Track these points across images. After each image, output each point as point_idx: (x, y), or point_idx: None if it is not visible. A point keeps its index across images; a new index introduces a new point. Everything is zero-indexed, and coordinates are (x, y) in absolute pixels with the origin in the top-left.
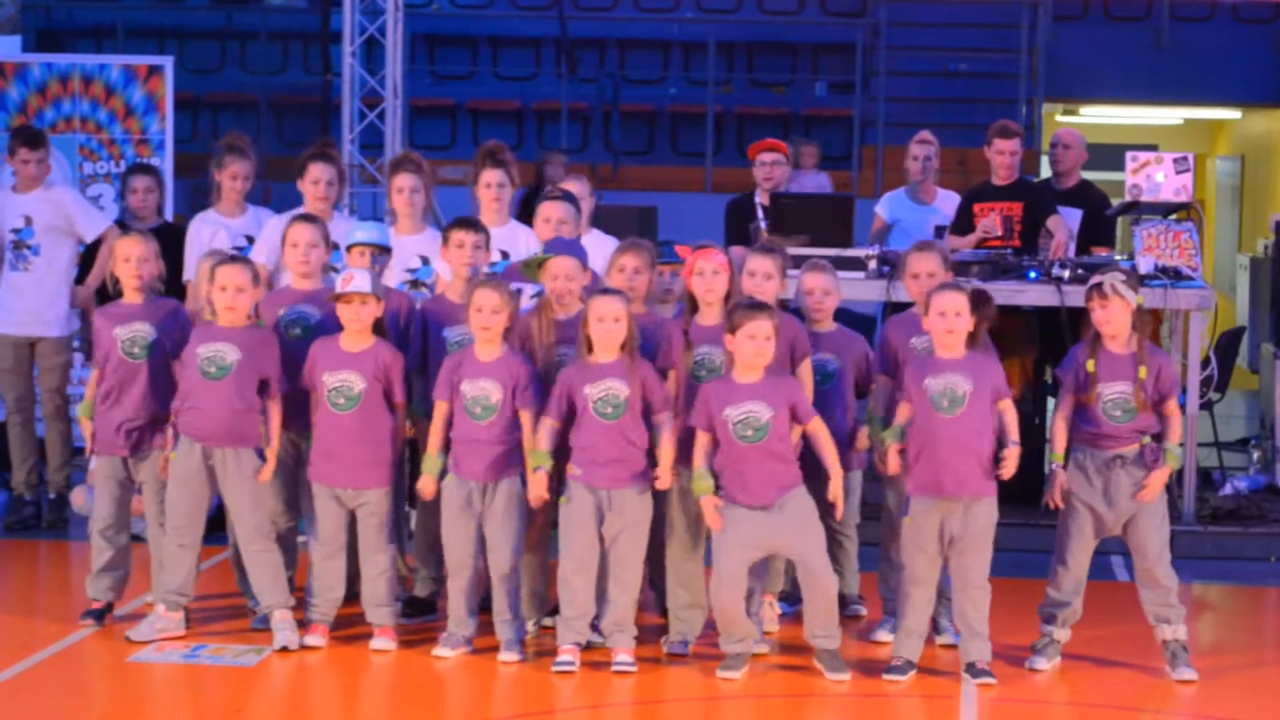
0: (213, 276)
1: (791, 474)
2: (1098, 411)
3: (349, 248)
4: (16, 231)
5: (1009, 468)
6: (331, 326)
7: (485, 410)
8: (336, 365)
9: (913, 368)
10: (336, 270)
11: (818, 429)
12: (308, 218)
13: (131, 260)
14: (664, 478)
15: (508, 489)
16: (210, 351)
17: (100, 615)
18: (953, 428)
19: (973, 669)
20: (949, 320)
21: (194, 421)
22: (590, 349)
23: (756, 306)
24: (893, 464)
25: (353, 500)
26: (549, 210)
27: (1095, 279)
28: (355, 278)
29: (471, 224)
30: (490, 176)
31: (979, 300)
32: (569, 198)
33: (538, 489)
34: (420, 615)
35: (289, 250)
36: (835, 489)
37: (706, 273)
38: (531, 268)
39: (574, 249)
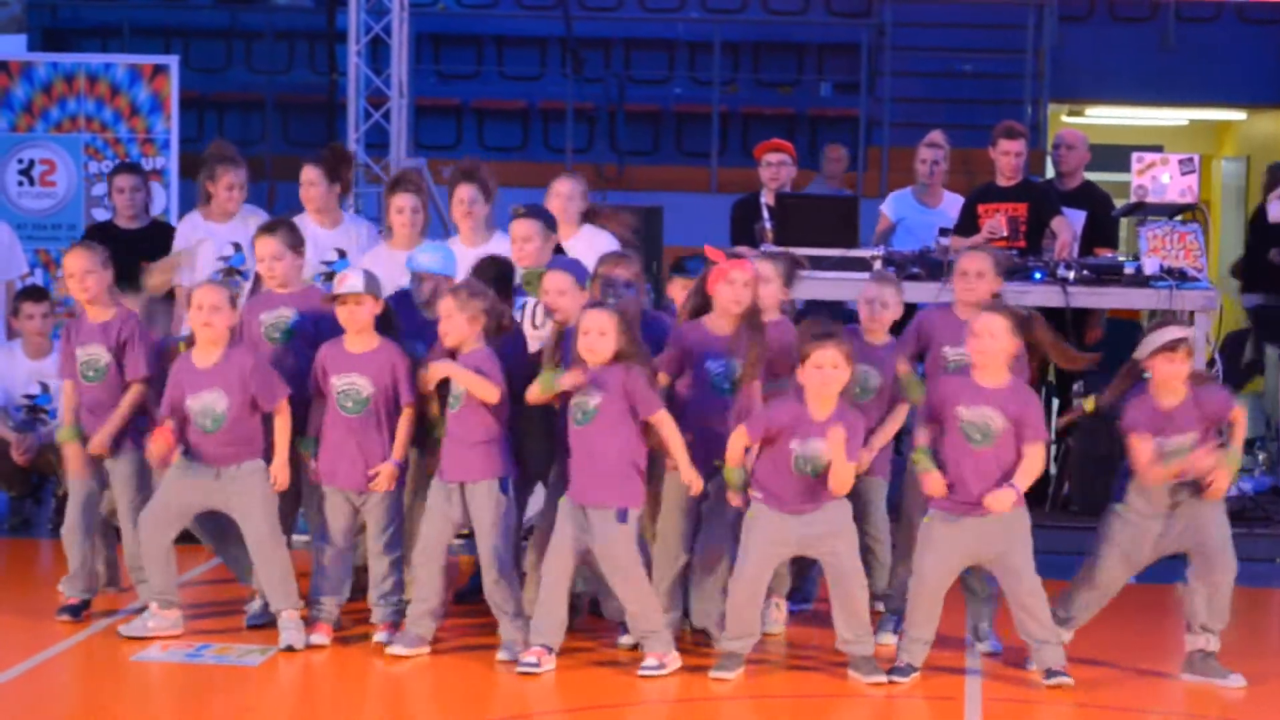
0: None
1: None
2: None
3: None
4: None
5: (995, 504)
6: (308, 327)
7: (454, 400)
8: (344, 368)
9: (947, 391)
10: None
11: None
12: (271, 228)
13: (75, 275)
14: (686, 475)
15: (486, 491)
16: (200, 404)
17: (77, 611)
18: (982, 460)
19: (1050, 673)
20: (981, 341)
21: (198, 448)
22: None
23: (826, 335)
24: (934, 488)
25: (359, 501)
26: (516, 229)
27: (1175, 333)
28: (349, 278)
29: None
30: (464, 193)
31: (1022, 323)
32: (539, 213)
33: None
34: None
35: (258, 264)
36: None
37: (738, 283)
38: (532, 283)
39: (573, 267)
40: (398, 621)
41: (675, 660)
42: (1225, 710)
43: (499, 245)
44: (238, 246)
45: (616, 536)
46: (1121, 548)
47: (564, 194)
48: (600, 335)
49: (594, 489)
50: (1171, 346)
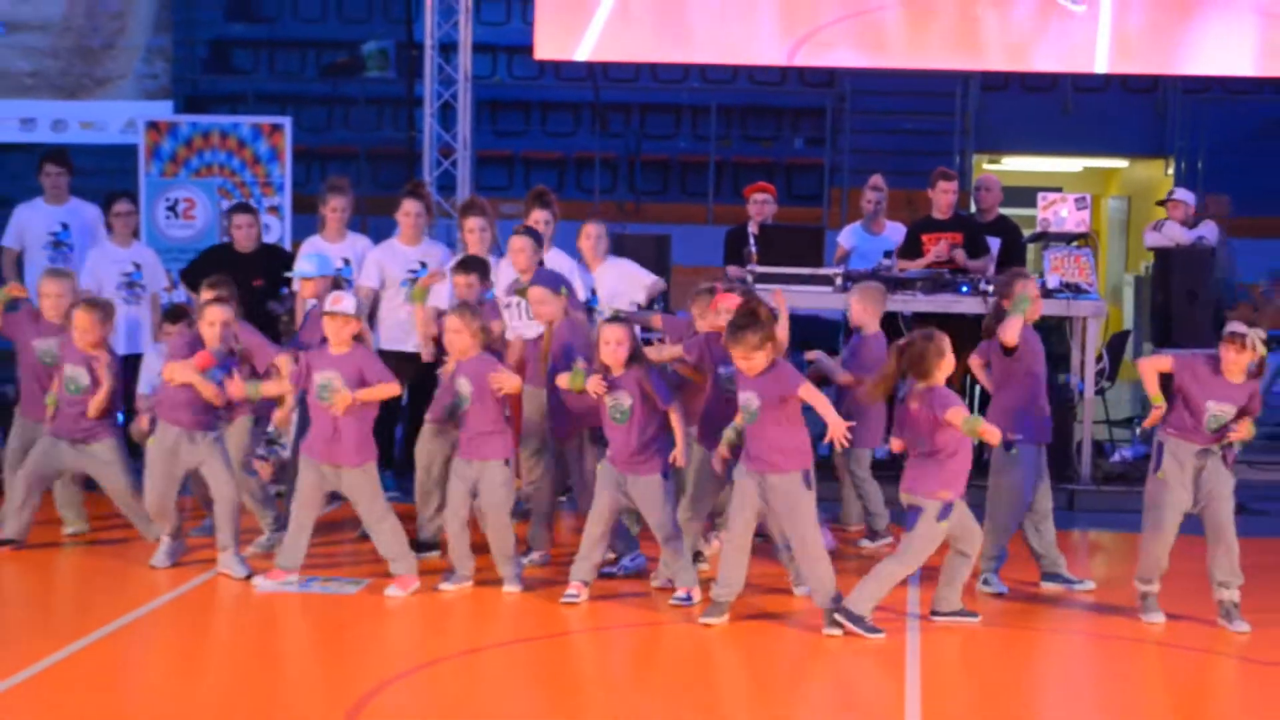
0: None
1: (780, 459)
2: (1200, 419)
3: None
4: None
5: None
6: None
7: (463, 399)
8: (323, 366)
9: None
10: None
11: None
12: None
13: (50, 296)
14: (680, 458)
15: (496, 468)
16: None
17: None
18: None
19: (956, 613)
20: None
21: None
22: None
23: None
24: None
25: (333, 475)
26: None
27: (1238, 328)
28: (343, 300)
29: (463, 264)
30: (539, 215)
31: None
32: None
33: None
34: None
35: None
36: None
37: (722, 313)
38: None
39: (549, 279)
40: (412, 572)
41: (699, 592)
42: (1114, 629)
43: (556, 258)
44: (346, 261)
45: (654, 495)
46: (1170, 499)
47: (593, 235)
48: (618, 345)
49: (634, 463)
50: (1228, 339)
